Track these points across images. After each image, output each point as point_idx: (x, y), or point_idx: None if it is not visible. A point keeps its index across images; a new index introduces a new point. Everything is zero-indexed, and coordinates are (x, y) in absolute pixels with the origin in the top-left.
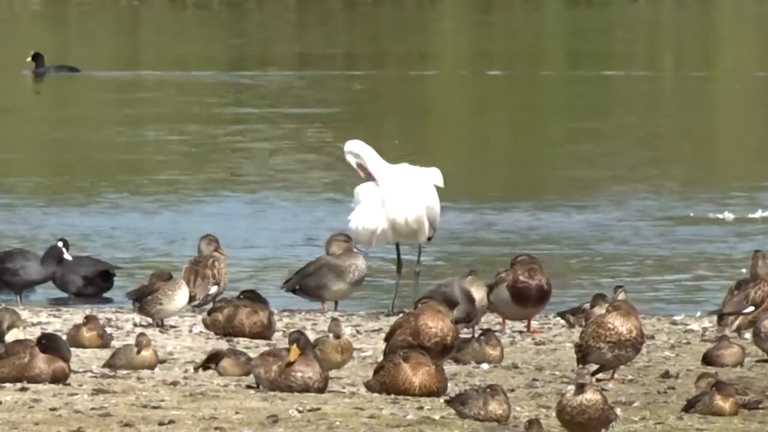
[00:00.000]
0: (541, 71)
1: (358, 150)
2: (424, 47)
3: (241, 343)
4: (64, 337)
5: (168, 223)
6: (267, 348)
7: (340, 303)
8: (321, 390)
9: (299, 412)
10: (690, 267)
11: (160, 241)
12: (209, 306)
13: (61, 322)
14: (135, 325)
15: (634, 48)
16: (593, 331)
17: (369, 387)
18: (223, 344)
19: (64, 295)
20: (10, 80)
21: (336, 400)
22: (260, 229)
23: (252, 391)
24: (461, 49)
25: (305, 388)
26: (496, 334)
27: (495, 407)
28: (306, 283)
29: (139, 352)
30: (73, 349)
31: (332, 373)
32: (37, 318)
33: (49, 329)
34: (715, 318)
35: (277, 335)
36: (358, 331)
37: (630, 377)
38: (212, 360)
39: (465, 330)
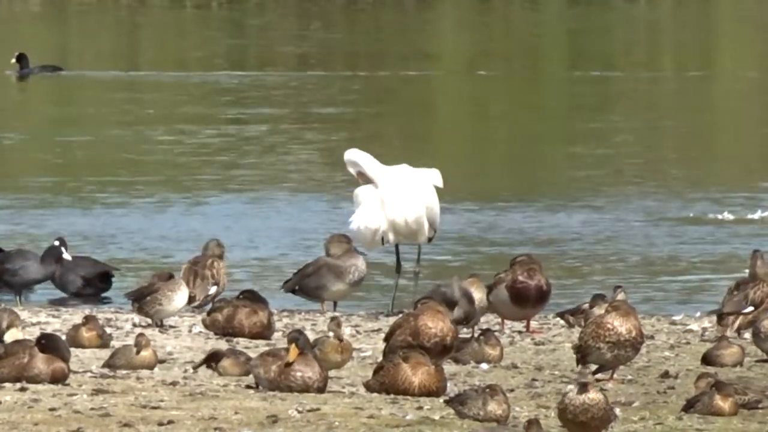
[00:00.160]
0: (541, 71)
1: (356, 158)
2: (425, 47)
3: (241, 343)
4: (64, 337)
5: (168, 223)
6: (266, 348)
7: (339, 303)
8: (320, 390)
9: (299, 412)
10: (689, 267)
11: (160, 242)
12: (209, 306)
13: (61, 322)
14: (134, 325)
15: (634, 48)
16: (593, 331)
17: (368, 387)
18: (222, 344)
19: (64, 295)
20: None
21: (335, 400)
22: (260, 230)
23: (251, 391)
24: (462, 49)
25: (305, 388)
26: (496, 334)
27: (494, 407)
28: (305, 284)
29: (138, 352)
30: (72, 349)
31: (332, 373)
32: (36, 318)
33: (49, 329)
34: (714, 318)
35: (276, 335)
36: (357, 331)
37: (629, 377)
38: (211, 359)
39: (464, 330)
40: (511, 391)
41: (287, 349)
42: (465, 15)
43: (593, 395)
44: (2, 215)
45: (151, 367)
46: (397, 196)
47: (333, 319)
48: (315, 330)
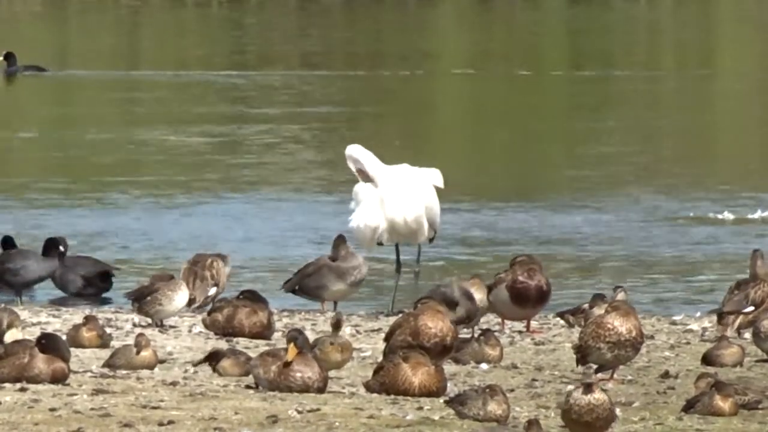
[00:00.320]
0: (541, 71)
1: (357, 155)
2: (425, 46)
3: (241, 343)
4: (64, 337)
5: (168, 223)
6: (266, 348)
7: (339, 303)
8: (320, 390)
9: (299, 412)
10: (690, 267)
11: (161, 242)
12: (209, 306)
13: (61, 322)
14: (134, 325)
15: (634, 48)
16: (593, 331)
17: (368, 387)
18: (222, 344)
19: (64, 295)
20: None
21: (335, 401)
22: (260, 229)
23: (251, 392)
24: (462, 49)
25: (305, 389)
26: (496, 334)
27: (494, 407)
28: (306, 284)
29: (138, 352)
30: (72, 349)
31: (332, 373)
32: (36, 318)
33: (49, 329)
34: (714, 318)
35: (276, 335)
36: (357, 331)
37: (629, 377)
38: (211, 359)
39: (464, 330)
40: (511, 391)
41: (287, 349)
42: (465, 14)
43: (599, 395)
44: (2, 215)
45: (151, 367)
46: (397, 195)
47: (335, 319)
48: (315, 330)
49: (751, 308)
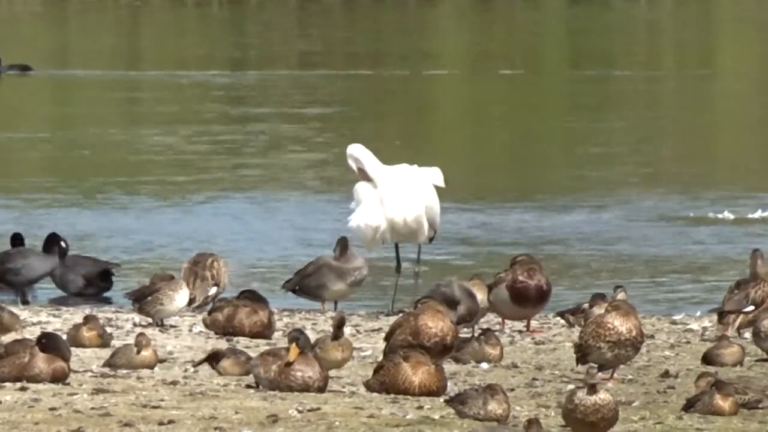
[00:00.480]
0: (542, 70)
1: (357, 154)
2: (426, 46)
3: (241, 343)
4: (64, 337)
5: (168, 223)
6: (267, 347)
7: (339, 303)
8: (321, 390)
9: (299, 411)
10: (690, 266)
11: (161, 242)
12: (209, 306)
13: (61, 321)
14: (135, 324)
15: (634, 48)
16: (593, 330)
17: (369, 387)
18: (223, 344)
19: (64, 294)
20: None
21: (336, 400)
22: (261, 229)
23: (252, 391)
24: (462, 49)
25: (305, 388)
26: (496, 333)
27: (494, 407)
28: (306, 283)
29: (138, 351)
30: (73, 349)
31: (332, 372)
32: (37, 317)
33: (49, 329)
34: (714, 317)
35: (277, 335)
36: (357, 331)
37: (630, 377)
38: (212, 358)
39: (465, 330)
40: (512, 390)
41: (288, 349)
42: (465, 14)
43: (604, 396)
44: (3, 215)
45: (151, 367)
46: (397, 195)
47: (337, 319)
48: (315, 329)
49: (752, 308)
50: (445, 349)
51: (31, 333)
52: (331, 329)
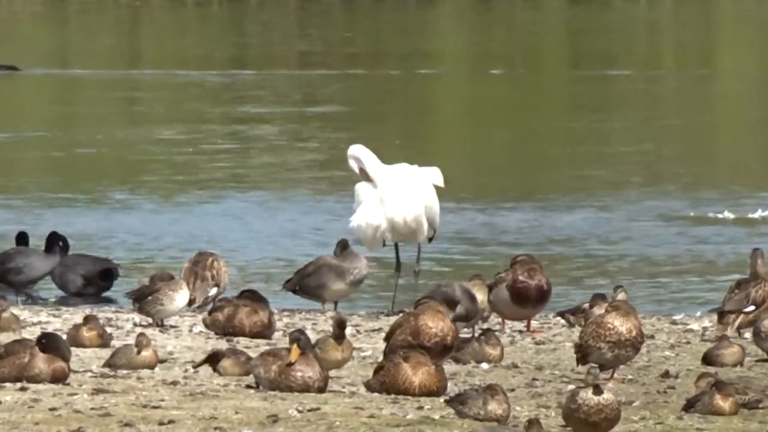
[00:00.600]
0: (542, 70)
1: (358, 154)
2: (426, 46)
3: (242, 343)
4: (64, 337)
5: (169, 223)
6: (267, 348)
7: (339, 303)
8: (321, 390)
9: (299, 411)
10: (690, 266)
11: (162, 242)
12: (209, 306)
13: (61, 321)
14: (135, 324)
15: (634, 47)
16: (593, 330)
17: (369, 387)
18: (223, 344)
19: (64, 294)
20: None
21: (336, 400)
22: (261, 229)
23: (252, 391)
24: (462, 48)
25: (305, 388)
26: (496, 333)
27: (495, 407)
28: (306, 283)
29: (139, 351)
30: (73, 349)
31: (332, 372)
32: (37, 318)
33: (49, 329)
34: (714, 318)
35: (277, 335)
36: (358, 331)
37: (630, 377)
38: (212, 359)
39: (465, 330)
40: (512, 390)
41: (288, 349)
42: (465, 14)
43: (607, 396)
44: (3, 215)
45: (151, 367)
46: (396, 195)
47: (337, 320)
48: (316, 330)
49: (752, 307)
50: (445, 350)
51: (31, 333)
52: (331, 329)
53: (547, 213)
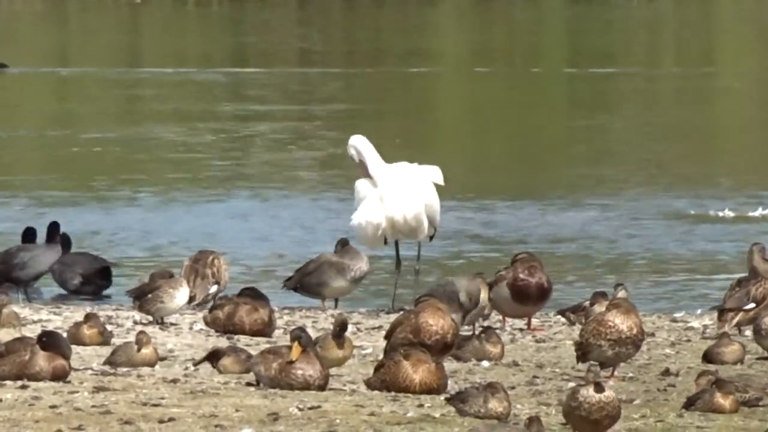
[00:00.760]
0: (542, 69)
1: (359, 146)
2: (426, 44)
3: (242, 341)
4: (65, 335)
5: (171, 221)
6: (267, 345)
7: (340, 301)
8: (321, 388)
9: (300, 409)
10: (690, 264)
11: (163, 240)
12: (210, 304)
13: (62, 319)
14: (135, 322)
15: (634, 46)
16: (594, 328)
17: (369, 385)
18: (223, 342)
19: (64, 292)
20: None
21: (336, 398)
22: (262, 227)
23: (252, 389)
24: (462, 47)
25: (306, 386)
26: (497, 331)
27: (495, 405)
28: (307, 281)
29: (139, 349)
30: (73, 347)
31: (333, 370)
32: (37, 315)
33: (50, 327)
34: (715, 315)
35: (277, 333)
36: (358, 329)
37: (630, 375)
38: (212, 357)
39: (465, 328)
40: (512, 388)
41: (289, 347)
42: (465, 13)
43: (609, 393)
44: (4, 213)
45: (152, 365)
46: (397, 193)
47: (339, 321)
48: (316, 327)
49: (752, 305)
50: (445, 347)
51: (32, 331)
52: (332, 327)
53: (546, 211)
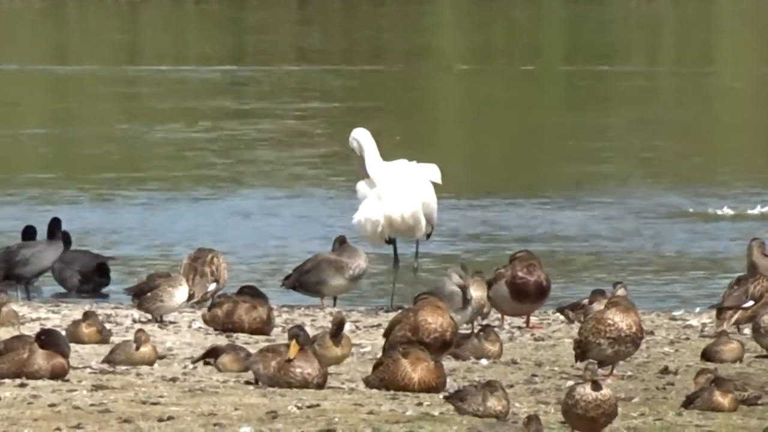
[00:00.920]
0: (541, 66)
1: (361, 140)
2: (425, 43)
3: (241, 339)
4: (64, 333)
5: (171, 219)
6: (266, 344)
7: (339, 299)
8: (320, 386)
9: (298, 408)
10: (689, 262)
11: (163, 238)
12: (209, 302)
13: (60, 317)
14: (134, 321)
15: (633, 44)
16: (593, 327)
17: (368, 383)
18: (222, 340)
19: (63, 290)
20: None
21: (335, 396)
22: (262, 225)
23: (251, 387)
24: (461, 45)
25: (304, 384)
26: (495, 329)
27: (494, 403)
28: (305, 280)
29: (138, 348)
30: (72, 345)
31: (331, 369)
32: (36, 313)
33: (48, 325)
34: (714, 313)
35: (276, 331)
36: (357, 327)
37: (629, 373)
38: (211, 355)
39: (464, 326)
40: (511, 386)
41: (287, 345)
42: (465, 12)
43: (606, 391)
44: (3, 211)
45: (150, 363)
46: (394, 191)
47: (337, 320)
48: (315, 326)
49: (751, 303)
50: (444, 345)
51: (31, 329)
52: (330, 325)
53: (545, 209)
